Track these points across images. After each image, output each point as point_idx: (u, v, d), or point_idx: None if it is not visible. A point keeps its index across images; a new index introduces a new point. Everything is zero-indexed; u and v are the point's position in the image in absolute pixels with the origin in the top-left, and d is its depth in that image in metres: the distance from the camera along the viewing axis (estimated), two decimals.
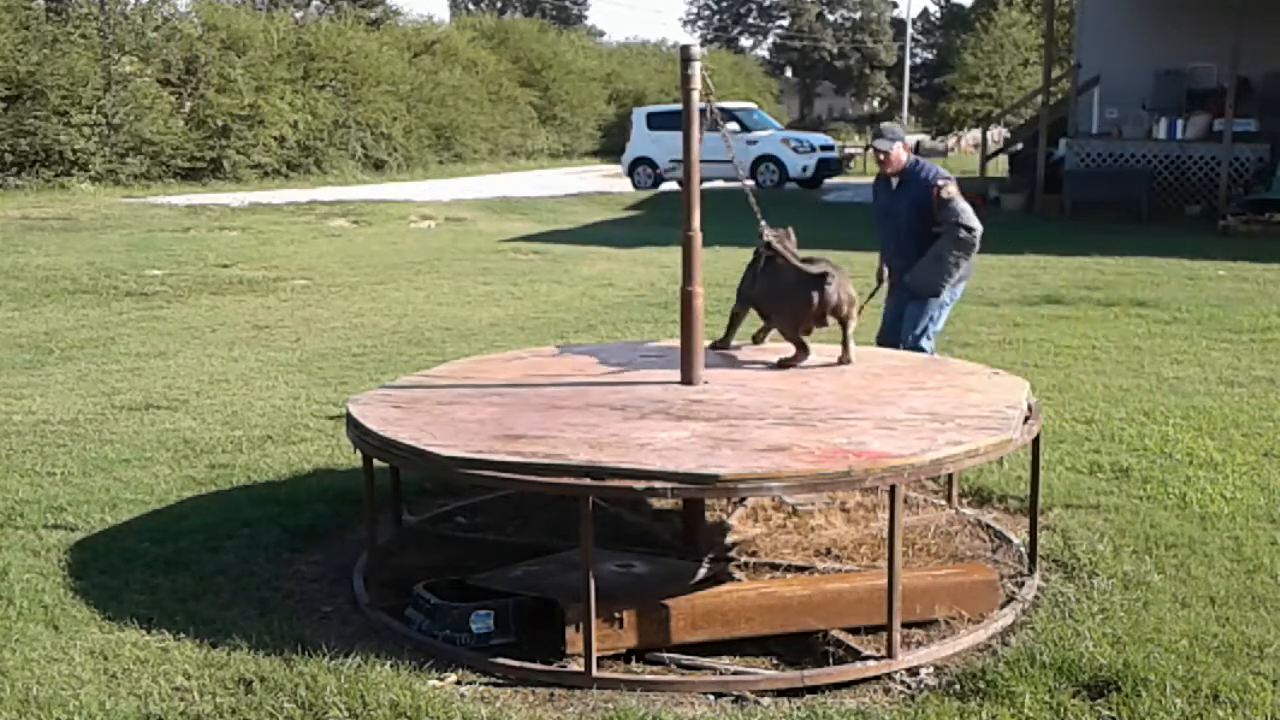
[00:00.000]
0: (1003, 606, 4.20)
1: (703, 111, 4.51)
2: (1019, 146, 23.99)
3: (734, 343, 5.37)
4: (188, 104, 27.70)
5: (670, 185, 25.57)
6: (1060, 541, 4.79)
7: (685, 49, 4.43)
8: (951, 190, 5.96)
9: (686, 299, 4.61)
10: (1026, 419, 4.29)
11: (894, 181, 6.17)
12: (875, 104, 78.39)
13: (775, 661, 3.87)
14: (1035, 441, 4.46)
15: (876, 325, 6.41)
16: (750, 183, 5.46)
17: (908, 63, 61.48)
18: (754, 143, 26.16)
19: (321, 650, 3.82)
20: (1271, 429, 6.43)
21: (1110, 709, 3.45)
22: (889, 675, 3.76)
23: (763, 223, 5.25)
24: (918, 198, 6.03)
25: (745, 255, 5.44)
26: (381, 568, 4.50)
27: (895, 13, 78.59)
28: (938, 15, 75.45)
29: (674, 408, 4.33)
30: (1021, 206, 19.86)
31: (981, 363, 6.01)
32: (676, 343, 4.80)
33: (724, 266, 10.77)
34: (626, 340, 8.48)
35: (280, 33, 31.37)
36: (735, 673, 3.77)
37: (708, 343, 4.93)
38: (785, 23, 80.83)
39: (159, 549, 4.79)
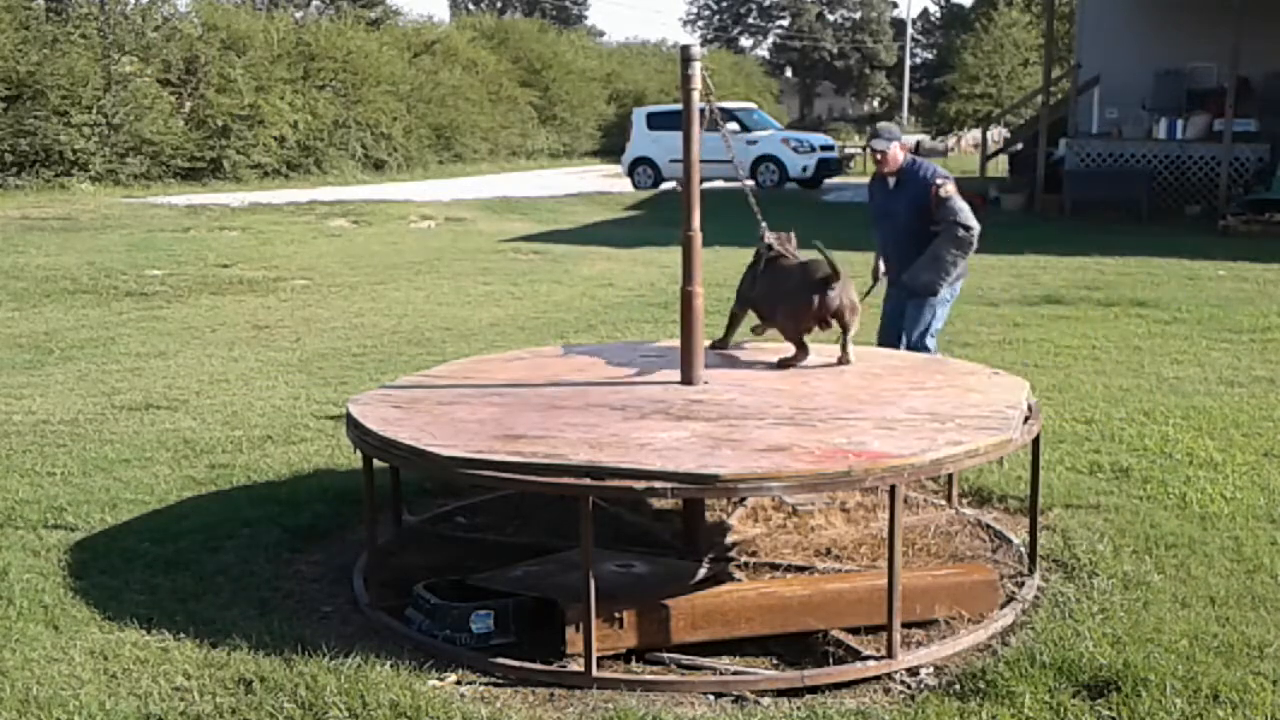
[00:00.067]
0: (1003, 606, 4.20)
1: (703, 111, 4.52)
2: (1019, 146, 23.99)
3: (733, 342, 5.37)
4: (188, 104, 27.70)
5: (670, 185, 25.57)
6: (1060, 541, 4.79)
7: (685, 49, 4.43)
8: (949, 189, 5.97)
9: (686, 299, 4.61)
10: (1026, 419, 4.29)
11: (891, 181, 6.18)
12: (875, 104, 78.39)
13: (775, 661, 3.87)
14: (1035, 441, 4.46)
15: (875, 324, 6.41)
16: (750, 183, 5.46)
17: (908, 63, 61.51)
18: (754, 143, 26.17)
19: (321, 650, 3.82)
20: (1271, 429, 6.43)
21: (1110, 709, 3.45)
22: (889, 675, 3.76)
23: (764, 224, 5.25)
24: (916, 197, 6.03)
25: (745, 255, 5.45)
26: (381, 568, 4.50)
27: (895, 13, 78.62)
28: (938, 15, 75.50)
29: (674, 408, 4.33)
30: (1021, 206, 19.86)
31: (981, 363, 6.01)
32: (676, 343, 4.80)
33: (724, 266, 10.77)
34: (626, 340, 8.48)
35: (280, 33, 31.37)
36: (735, 673, 3.77)
37: (707, 343, 4.93)
38: (785, 23, 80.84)
39: (159, 549, 4.79)
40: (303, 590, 4.48)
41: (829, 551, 4.72)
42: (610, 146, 41.02)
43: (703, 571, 4.29)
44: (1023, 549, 4.71)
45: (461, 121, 36.71)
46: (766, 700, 3.63)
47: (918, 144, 41.39)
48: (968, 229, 5.92)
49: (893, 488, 3.77)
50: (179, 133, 26.61)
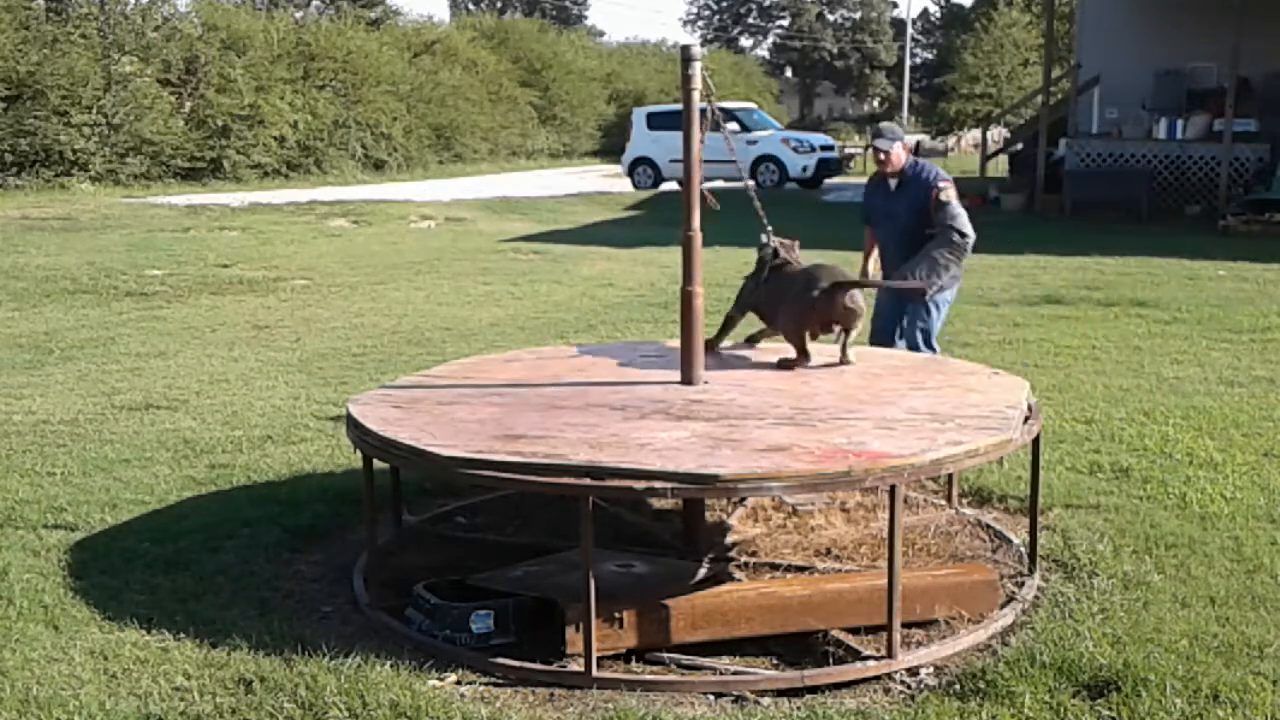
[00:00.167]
0: (1003, 606, 4.20)
1: (703, 112, 4.52)
2: (1019, 146, 23.99)
3: (724, 346, 5.36)
4: (188, 104, 27.71)
5: (670, 185, 25.58)
6: (1060, 541, 4.79)
7: (686, 49, 4.42)
8: (950, 194, 5.96)
9: (686, 299, 4.61)
10: (1026, 419, 4.29)
11: (892, 182, 6.16)
12: (875, 104, 78.40)
13: (775, 661, 3.87)
14: (1035, 441, 4.46)
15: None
16: (750, 183, 5.46)
17: (908, 63, 61.50)
18: (754, 143, 26.18)
19: (321, 650, 3.82)
20: (1271, 429, 6.43)
21: (1110, 709, 3.45)
22: (889, 675, 3.76)
23: (768, 229, 5.25)
24: (918, 199, 6.01)
25: (745, 255, 5.45)
26: (381, 568, 4.50)
27: (895, 13, 78.65)
28: (938, 15, 75.52)
29: (674, 408, 4.33)
30: (1021, 206, 19.87)
31: (981, 363, 6.01)
32: (676, 343, 4.80)
33: (724, 266, 10.77)
34: (626, 340, 8.48)
35: (280, 33, 31.38)
36: (735, 673, 3.77)
37: None
38: (785, 23, 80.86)
39: (159, 549, 4.79)
40: (303, 590, 4.48)
41: (829, 551, 4.72)
42: (610, 146, 41.03)
43: (703, 571, 4.29)
44: (1023, 549, 4.71)
45: (461, 121, 36.72)
46: (766, 700, 3.63)
47: (918, 144, 41.38)
48: (963, 236, 5.92)
49: (893, 488, 3.77)
50: (179, 133, 26.62)
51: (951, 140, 46.28)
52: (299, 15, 39.12)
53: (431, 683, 3.70)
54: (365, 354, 8.82)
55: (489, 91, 39.05)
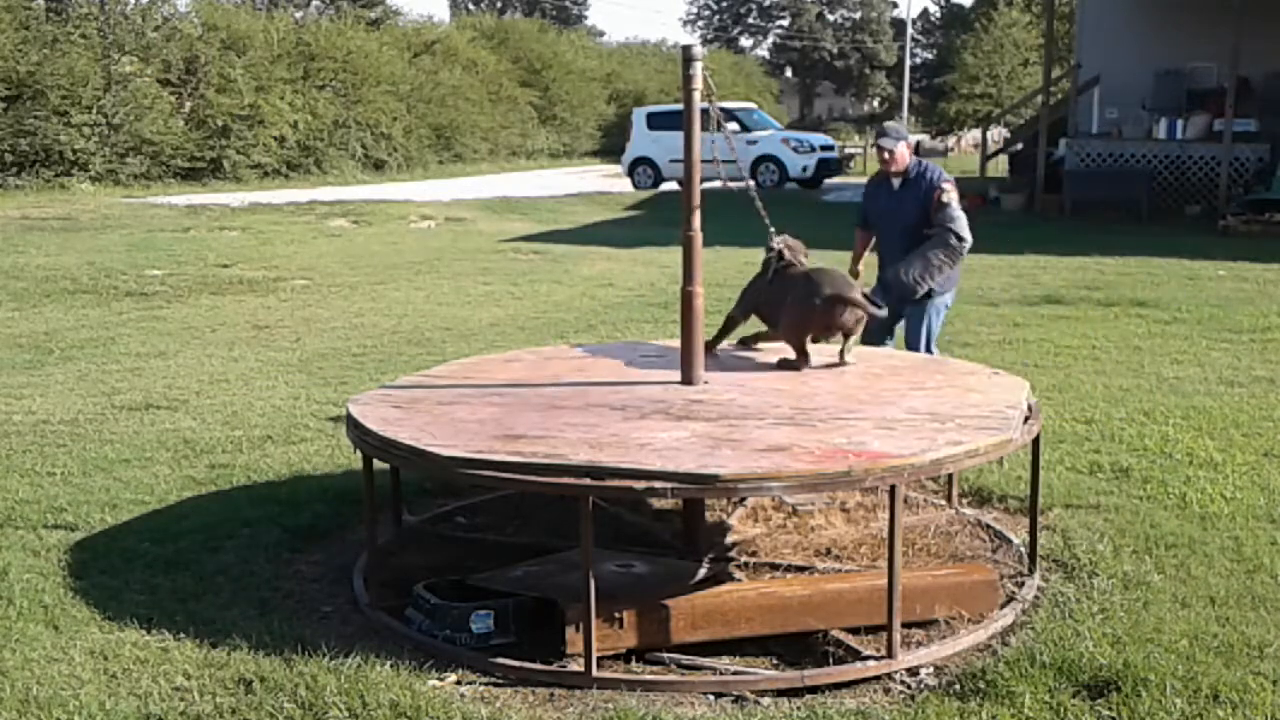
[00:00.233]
0: (1003, 606, 4.20)
1: (705, 112, 4.52)
2: (1019, 146, 23.99)
3: (722, 348, 5.36)
4: (188, 104, 27.71)
5: (670, 185, 25.59)
6: (1060, 541, 4.79)
7: (687, 49, 4.42)
8: (952, 196, 5.96)
9: (686, 299, 4.61)
10: (1026, 419, 4.29)
11: (896, 182, 6.15)
12: (875, 104, 78.40)
13: (775, 661, 3.87)
14: (1035, 441, 4.46)
15: None
16: (750, 183, 5.46)
17: (908, 63, 61.47)
18: (754, 143, 26.17)
19: (321, 650, 3.82)
20: (1271, 429, 6.43)
21: (1110, 709, 3.45)
22: (889, 675, 3.76)
23: (772, 230, 5.25)
24: (923, 198, 6.00)
25: (745, 255, 5.46)
26: (381, 568, 4.50)
27: (895, 13, 78.64)
28: (938, 15, 75.52)
29: (674, 408, 4.33)
30: (1021, 206, 19.86)
31: (981, 363, 6.01)
32: (676, 343, 4.80)
33: (724, 266, 10.77)
34: (626, 340, 8.47)
35: (280, 33, 31.38)
36: (735, 673, 3.77)
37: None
38: (785, 23, 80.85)
39: (159, 549, 4.79)
40: (303, 590, 4.48)
41: (829, 551, 4.72)
42: (610, 146, 41.04)
43: (703, 571, 4.29)
44: (1023, 549, 4.71)
45: (461, 121, 36.73)
46: (766, 700, 3.63)
47: (918, 144, 41.30)
48: (960, 239, 5.91)
49: (893, 488, 3.77)
50: (179, 133, 26.62)
51: (951, 140, 46.28)
52: (299, 15, 39.14)
53: (431, 683, 3.70)
54: (365, 354, 8.83)
55: (489, 91, 39.06)
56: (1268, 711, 3.43)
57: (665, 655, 3.86)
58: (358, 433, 4.26)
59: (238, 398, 7.42)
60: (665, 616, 3.87)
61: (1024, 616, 4.13)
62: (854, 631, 3.94)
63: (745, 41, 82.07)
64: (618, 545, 4.59)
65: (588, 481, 3.67)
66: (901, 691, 3.68)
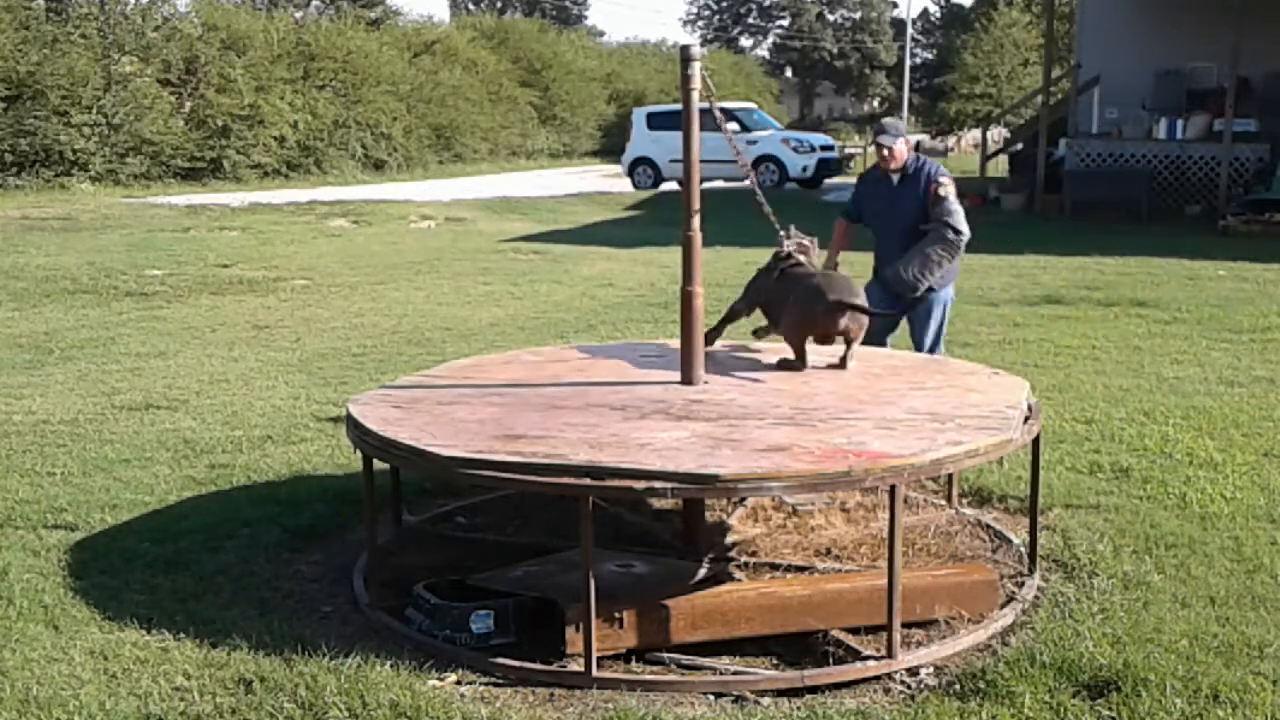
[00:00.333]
0: (1003, 606, 4.20)
1: (708, 112, 4.52)
2: (1019, 146, 23.99)
3: (722, 339, 5.36)
4: (188, 104, 27.71)
5: (670, 185, 25.59)
6: (1060, 541, 4.79)
7: (685, 49, 4.42)
8: (949, 190, 5.96)
9: (686, 299, 4.61)
10: (1026, 419, 4.29)
11: (894, 178, 6.15)
12: (875, 104, 78.39)
13: (775, 661, 3.87)
14: (1035, 441, 4.46)
15: None
16: (751, 182, 5.46)
17: (908, 63, 61.44)
18: (754, 143, 26.17)
19: (321, 650, 3.82)
20: (1271, 429, 6.43)
21: (1110, 709, 3.45)
22: (889, 675, 3.76)
23: (783, 232, 5.24)
24: (921, 194, 6.00)
25: (745, 255, 5.46)
26: (381, 568, 4.50)
27: (895, 13, 78.62)
28: (938, 15, 75.49)
29: (674, 408, 4.33)
30: (1021, 206, 19.86)
31: (981, 363, 6.01)
32: (676, 343, 4.80)
33: (724, 266, 10.76)
34: (626, 340, 8.48)
35: (280, 33, 31.38)
36: (735, 673, 3.77)
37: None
38: (785, 23, 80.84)
39: (159, 549, 4.79)
40: (303, 590, 4.48)
41: (829, 551, 4.72)
42: (610, 146, 41.03)
43: (703, 571, 4.29)
44: (1023, 549, 4.71)
45: (461, 121, 36.72)
46: (766, 700, 3.63)
47: (918, 144, 41.28)
48: (958, 233, 5.91)
49: (893, 488, 3.77)
50: (179, 133, 26.62)
51: (951, 140, 46.28)
52: (299, 15, 39.13)
53: (431, 683, 3.70)
54: (365, 354, 8.83)
55: (489, 91, 39.05)
56: (1268, 711, 3.44)
57: (665, 655, 3.86)
58: (358, 433, 4.26)
59: (238, 398, 7.42)
60: (665, 616, 3.87)
61: (1024, 616, 4.13)
62: (854, 631, 3.94)
63: (745, 41, 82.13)
64: (618, 545, 4.59)
65: (588, 481, 3.67)
66: (901, 691, 3.68)
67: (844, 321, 4.89)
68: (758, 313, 5.42)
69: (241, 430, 6.59)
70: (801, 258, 5.21)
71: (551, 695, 3.66)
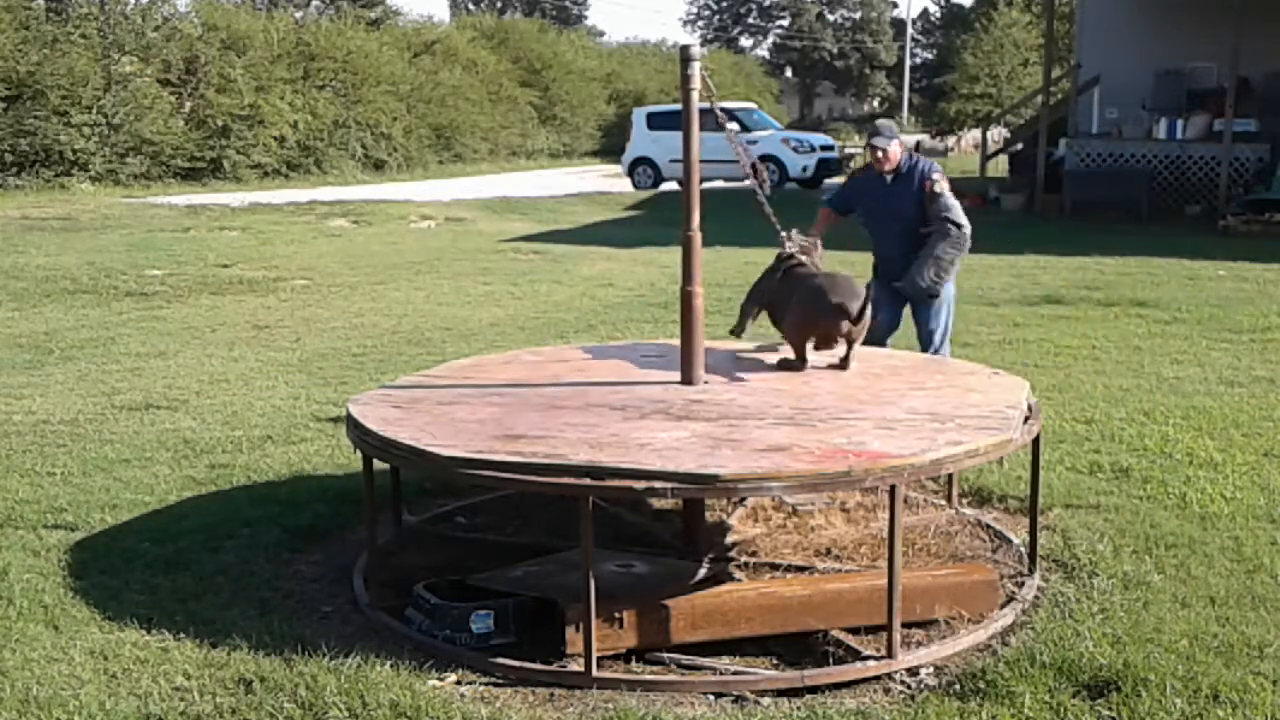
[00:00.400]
0: (1003, 606, 4.20)
1: (708, 112, 4.52)
2: (1019, 146, 23.98)
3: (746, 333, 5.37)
4: (188, 104, 27.70)
5: (670, 185, 25.59)
6: (1060, 541, 4.79)
7: (685, 49, 4.43)
8: (943, 185, 6.00)
9: (686, 299, 4.61)
10: (1026, 419, 4.29)
11: (888, 179, 6.17)
12: (875, 104, 78.37)
13: (775, 661, 3.87)
14: (1035, 441, 4.46)
15: None
16: (752, 182, 5.46)
17: (908, 63, 61.50)
18: (754, 143, 26.15)
19: (321, 650, 3.82)
20: (1271, 429, 6.43)
21: (1110, 709, 3.45)
22: (889, 675, 3.76)
23: (784, 234, 5.24)
24: (916, 191, 6.05)
25: (745, 255, 5.46)
26: (381, 568, 4.50)
27: (895, 13, 78.62)
28: (938, 15, 75.46)
29: (674, 408, 4.33)
30: (1021, 206, 19.86)
31: (981, 363, 6.01)
32: (676, 343, 4.80)
33: (724, 266, 10.77)
34: (626, 340, 8.47)
35: (280, 33, 31.37)
36: (735, 673, 3.77)
37: (709, 343, 4.92)
38: (785, 23, 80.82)
39: (159, 549, 4.79)
40: (303, 590, 4.48)
41: (829, 551, 4.72)
42: (610, 146, 41.01)
43: (703, 571, 4.29)
44: (1023, 549, 4.71)
45: (461, 121, 36.70)
46: (766, 700, 3.63)
47: (918, 144, 41.31)
48: (960, 227, 5.94)
49: (893, 488, 3.77)
50: (179, 133, 26.61)
51: (951, 140, 46.26)
52: (299, 15, 39.12)
53: (431, 683, 3.70)
54: (365, 354, 8.83)
55: (489, 91, 39.04)
56: (1268, 711, 3.44)
57: (665, 655, 3.86)
58: (358, 433, 4.26)
59: (238, 398, 7.42)
60: (665, 616, 3.87)
61: (1024, 616, 4.13)
62: (854, 631, 3.94)
63: (745, 41, 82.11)
64: (618, 545, 4.59)
65: (588, 481, 3.67)
66: (901, 691, 3.68)
67: (846, 324, 4.89)
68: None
69: (241, 430, 6.59)
70: (804, 259, 5.21)
71: (551, 695, 3.67)
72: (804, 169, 26.35)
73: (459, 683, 3.73)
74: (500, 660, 3.81)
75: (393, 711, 3.49)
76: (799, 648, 3.90)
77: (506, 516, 5.22)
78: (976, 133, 36.84)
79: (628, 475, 3.65)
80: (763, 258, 5.49)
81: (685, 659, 3.85)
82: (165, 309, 11.07)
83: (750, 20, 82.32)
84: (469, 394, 4.64)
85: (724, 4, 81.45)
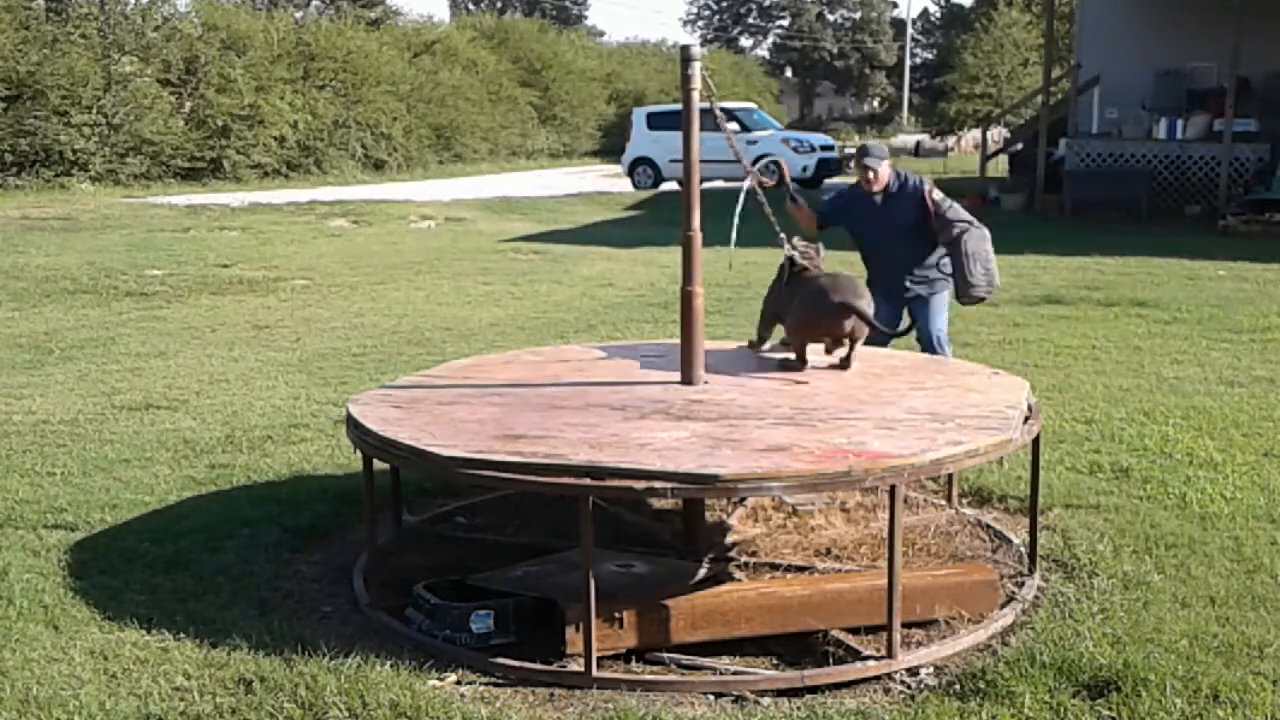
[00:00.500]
0: (1003, 606, 4.20)
1: (708, 112, 4.52)
2: (1019, 146, 23.98)
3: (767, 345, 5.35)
4: (188, 104, 27.70)
5: (670, 185, 25.60)
6: (1060, 541, 4.79)
7: (685, 49, 4.43)
8: (939, 193, 6.09)
9: (686, 299, 4.61)
10: (1026, 419, 4.29)
11: (878, 198, 6.20)
12: (875, 104, 78.39)
13: (775, 661, 3.87)
14: (1035, 441, 4.46)
15: None
16: (751, 183, 5.45)
17: (908, 63, 61.50)
18: (754, 143, 26.17)
19: (321, 650, 3.82)
20: (1271, 429, 6.43)
21: (1110, 709, 3.45)
22: (889, 675, 3.76)
23: (783, 236, 5.24)
24: (910, 206, 6.11)
25: (745, 255, 5.46)
26: (381, 568, 4.50)
27: (895, 13, 78.61)
28: (938, 15, 75.45)
29: (674, 408, 4.33)
30: (1021, 206, 19.85)
31: (981, 363, 6.01)
32: (676, 343, 4.80)
33: (724, 266, 10.75)
34: (626, 340, 8.47)
35: (280, 33, 31.36)
36: (735, 673, 3.77)
37: (709, 344, 4.92)
38: (785, 23, 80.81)
39: (159, 549, 4.79)
40: (303, 590, 4.48)
41: (829, 551, 4.72)
42: (610, 146, 40.99)
43: (703, 571, 4.29)
44: (1023, 549, 4.71)
45: (461, 121, 36.69)
46: (766, 700, 3.63)
47: (918, 144, 41.41)
48: (972, 224, 6.00)
49: (893, 488, 3.77)
50: (179, 133, 26.60)
51: (951, 140, 46.24)
52: (299, 15, 39.11)
53: (431, 683, 3.70)
54: (365, 354, 8.83)
55: (489, 91, 39.02)
56: (1268, 711, 3.44)
57: (665, 655, 3.86)
58: (358, 433, 4.26)
59: (238, 398, 7.42)
60: (665, 616, 3.87)
61: (1024, 616, 4.13)
62: (854, 631, 3.94)
63: (745, 41, 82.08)
64: (618, 545, 4.60)
65: (588, 481, 3.67)
66: (901, 691, 3.68)
67: (848, 324, 4.88)
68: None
69: (241, 430, 6.59)
70: (807, 264, 5.19)
71: (551, 695, 3.67)
72: (804, 169, 26.34)
73: (459, 683, 3.73)
74: (500, 660, 3.81)
75: (393, 711, 3.49)
76: (799, 648, 3.91)
77: (506, 516, 5.22)
78: (976, 133, 36.82)
79: (628, 475, 3.65)
80: (762, 257, 5.50)
81: (685, 659, 3.85)
82: (165, 309, 11.07)
83: (750, 20, 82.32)
84: (469, 394, 4.64)
85: (724, 4, 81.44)
